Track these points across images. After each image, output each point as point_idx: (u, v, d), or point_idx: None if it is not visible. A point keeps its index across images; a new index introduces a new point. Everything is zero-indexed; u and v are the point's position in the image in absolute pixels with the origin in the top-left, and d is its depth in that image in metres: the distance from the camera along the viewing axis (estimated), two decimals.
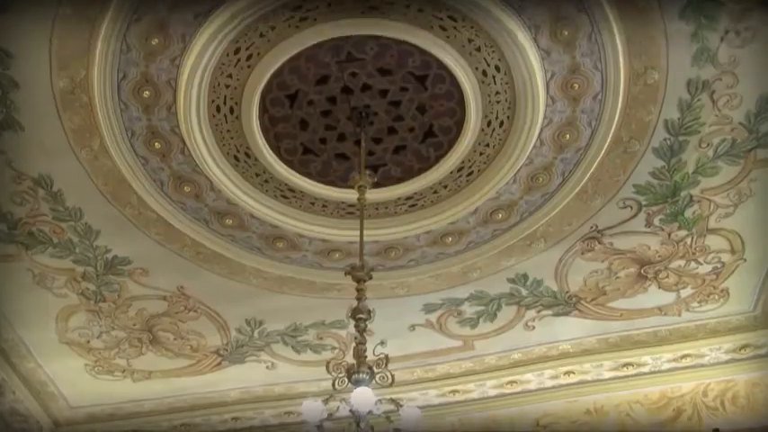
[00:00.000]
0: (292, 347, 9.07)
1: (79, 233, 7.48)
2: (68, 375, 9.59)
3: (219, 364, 9.33)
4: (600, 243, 7.83)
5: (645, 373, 9.62)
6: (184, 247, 7.72)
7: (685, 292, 8.58)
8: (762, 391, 9.56)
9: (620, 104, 6.31)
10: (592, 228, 7.61)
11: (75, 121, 6.34)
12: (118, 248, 7.76)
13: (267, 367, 9.37)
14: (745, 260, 8.10)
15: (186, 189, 7.03)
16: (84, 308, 8.56)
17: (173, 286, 8.31)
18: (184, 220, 7.39)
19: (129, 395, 9.91)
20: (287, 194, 7.17)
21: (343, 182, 6.95)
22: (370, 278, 6.35)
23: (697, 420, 9.70)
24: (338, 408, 5.65)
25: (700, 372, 9.58)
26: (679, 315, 8.89)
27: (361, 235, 6.59)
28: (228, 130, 6.52)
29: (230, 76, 6.10)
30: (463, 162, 6.87)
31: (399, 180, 7.10)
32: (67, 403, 10.04)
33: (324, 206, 7.33)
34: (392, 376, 5.79)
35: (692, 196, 7.20)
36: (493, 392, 9.77)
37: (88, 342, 9.07)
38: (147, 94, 6.15)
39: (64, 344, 9.08)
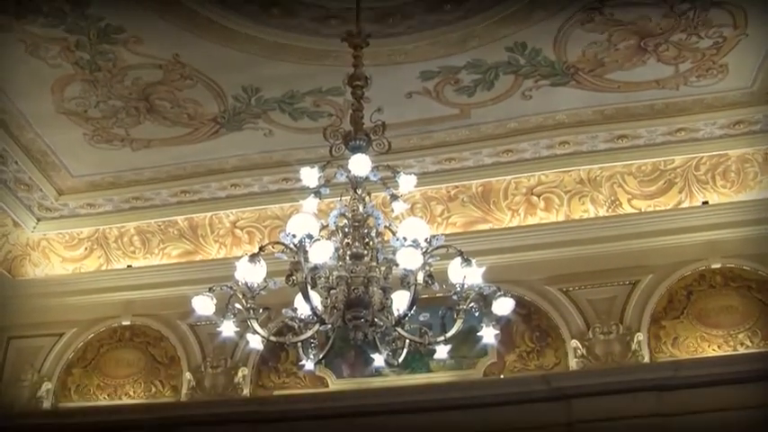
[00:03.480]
0: (289, 115, 9.06)
1: (70, 1, 7.30)
2: (68, 145, 9.65)
3: (217, 131, 9.36)
4: (601, 14, 7.68)
5: (639, 146, 9.68)
6: (178, 15, 7.55)
7: (684, 66, 8.51)
8: (752, 167, 9.68)
9: None
10: None
11: None
12: (111, 17, 7.60)
13: (265, 135, 9.39)
14: (747, 35, 7.98)
15: None
16: (80, 78, 8.50)
17: (168, 54, 8.20)
18: None
19: (128, 164, 10.00)
20: None
21: None
22: (367, 45, 6.26)
23: (687, 193, 9.88)
24: (335, 174, 5.71)
25: (693, 146, 9.64)
26: (676, 89, 8.85)
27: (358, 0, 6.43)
28: None
29: None
30: None
31: None
32: (69, 172, 10.15)
33: None
34: (389, 143, 5.81)
35: None
36: (488, 161, 9.83)
37: (86, 112, 9.06)
38: None
39: (61, 114, 9.07)
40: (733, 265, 9.70)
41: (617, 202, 10.02)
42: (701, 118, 9.25)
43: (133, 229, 10.95)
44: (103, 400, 10.71)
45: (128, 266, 11.10)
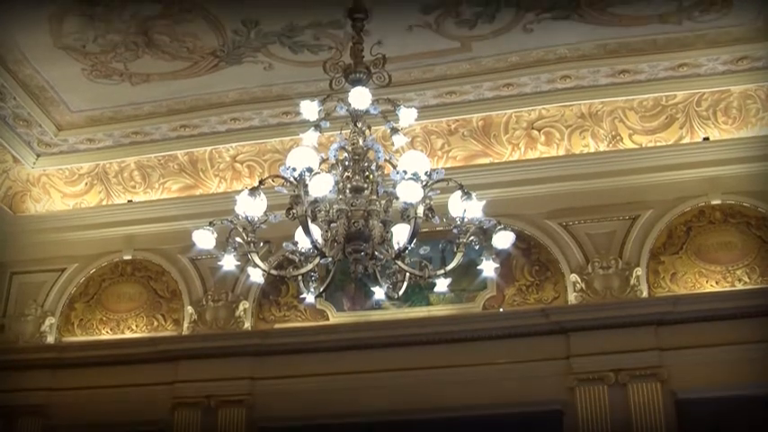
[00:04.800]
0: (289, 48, 8.96)
1: None
2: (67, 81, 9.58)
3: (216, 65, 9.27)
4: None
5: (640, 81, 9.60)
6: None
7: (687, 1, 8.40)
8: (754, 103, 9.64)
9: None
10: None
11: None
12: None
13: (264, 68, 9.31)
14: None
15: None
16: (78, 12, 8.40)
17: None
18: None
19: (127, 98, 9.94)
20: None
21: None
22: None
23: (689, 129, 9.85)
24: (335, 107, 5.69)
25: (695, 81, 9.57)
26: (679, 24, 8.74)
27: None
28: None
29: None
30: None
31: None
32: (68, 107, 10.09)
33: None
34: (389, 76, 5.78)
35: None
36: (489, 94, 9.76)
37: (84, 47, 8.97)
38: None
39: (60, 49, 8.98)
40: (733, 202, 9.72)
41: (618, 137, 9.99)
42: (703, 53, 9.16)
43: (133, 163, 10.94)
44: (106, 335, 10.82)
45: (128, 201, 11.11)
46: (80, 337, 10.87)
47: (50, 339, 10.79)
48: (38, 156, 10.86)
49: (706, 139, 9.85)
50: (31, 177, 11.13)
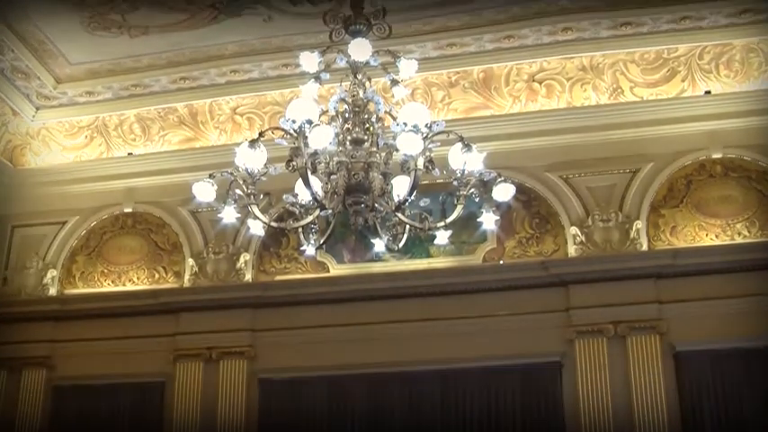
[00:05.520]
0: None
1: None
2: (65, 33, 9.52)
3: (216, 17, 9.20)
4: None
5: (642, 33, 9.54)
6: None
7: None
8: (757, 57, 9.59)
9: None
10: None
11: None
12: None
13: (264, 20, 9.23)
14: None
15: None
16: None
17: None
18: None
19: (126, 51, 9.89)
20: None
21: None
22: None
23: (690, 82, 9.81)
24: (335, 59, 5.65)
25: (697, 34, 9.51)
26: None
27: None
28: None
29: None
30: None
31: None
32: (66, 60, 10.04)
33: None
34: (389, 28, 5.73)
35: None
36: (490, 47, 9.70)
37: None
38: None
39: (58, 1, 8.91)
40: (734, 156, 9.73)
41: (619, 90, 9.95)
42: (706, 6, 9.08)
43: (133, 116, 10.92)
44: (108, 287, 10.87)
45: (128, 154, 11.12)
46: (82, 290, 10.94)
47: (53, 292, 10.86)
48: (37, 109, 10.84)
49: (708, 92, 9.83)
50: (31, 131, 11.12)
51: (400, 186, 5.30)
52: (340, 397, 9.78)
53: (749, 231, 9.44)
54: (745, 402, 8.88)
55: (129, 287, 10.79)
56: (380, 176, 5.25)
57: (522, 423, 9.29)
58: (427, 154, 5.10)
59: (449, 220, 5.41)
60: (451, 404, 9.48)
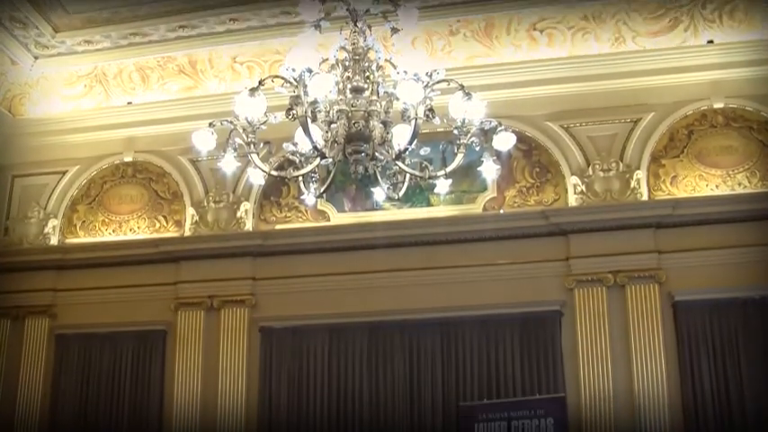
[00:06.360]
0: None
1: None
2: None
3: None
4: None
5: None
6: None
7: None
8: (760, 6, 9.48)
9: None
10: None
11: None
12: None
13: None
14: None
15: None
16: None
17: None
18: None
19: None
20: None
21: None
22: None
23: (693, 32, 9.74)
24: (335, 7, 5.60)
25: None
26: None
27: None
28: None
29: None
30: None
31: None
32: (64, 9, 9.94)
33: None
34: None
35: None
36: None
37: None
38: None
39: None
40: (735, 106, 9.70)
41: (621, 39, 9.87)
42: None
43: (132, 65, 10.83)
44: (109, 236, 10.90)
45: (128, 103, 11.06)
46: (83, 239, 10.97)
47: (54, 241, 10.90)
48: (36, 58, 10.75)
49: (710, 41, 9.75)
50: (30, 80, 11.05)
51: (400, 135, 5.29)
52: (340, 345, 9.86)
53: (749, 182, 9.44)
54: (742, 351, 8.95)
55: (130, 236, 10.82)
56: (381, 125, 5.25)
57: (521, 371, 9.37)
58: (428, 102, 5.09)
59: (449, 168, 5.40)
60: (451, 352, 9.56)
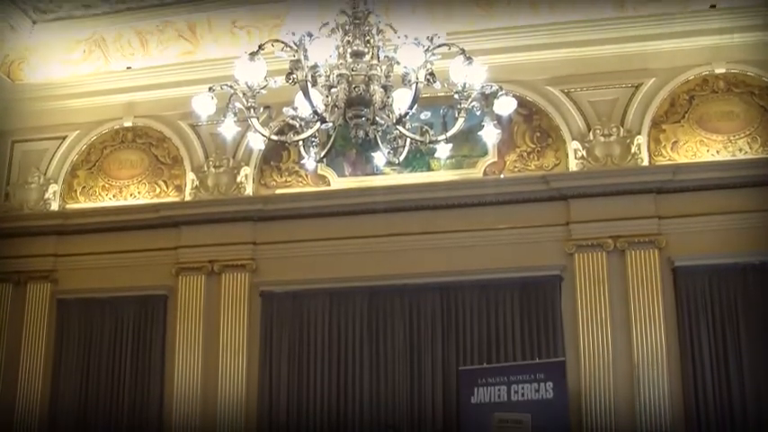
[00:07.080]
0: None
1: None
2: None
3: None
4: None
5: None
6: None
7: None
8: None
9: None
10: None
11: None
12: None
13: None
14: None
15: None
16: None
17: None
18: None
19: None
20: None
21: None
22: None
23: None
24: None
25: None
26: None
27: None
28: None
29: None
30: None
31: None
32: None
33: None
34: None
35: None
36: None
37: None
38: None
39: None
40: (737, 71, 9.66)
41: (622, 4, 9.79)
42: None
43: (131, 29, 10.77)
44: (109, 201, 10.90)
45: (127, 68, 11.00)
46: (83, 204, 10.96)
47: (54, 206, 10.90)
48: (34, 23, 10.71)
49: (713, 6, 9.68)
50: (29, 45, 10.99)
51: (401, 99, 5.27)
52: (341, 309, 9.91)
53: (750, 147, 9.42)
54: (741, 317, 8.99)
55: (131, 201, 10.82)
56: (381, 89, 5.23)
57: (520, 335, 9.42)
58: (428, 67, 5.08)
59: (449, 133, 5.41)
60: (451, 316, 9.61)
